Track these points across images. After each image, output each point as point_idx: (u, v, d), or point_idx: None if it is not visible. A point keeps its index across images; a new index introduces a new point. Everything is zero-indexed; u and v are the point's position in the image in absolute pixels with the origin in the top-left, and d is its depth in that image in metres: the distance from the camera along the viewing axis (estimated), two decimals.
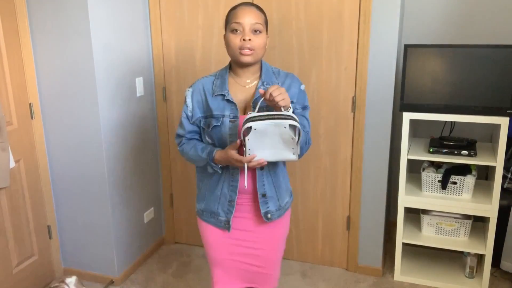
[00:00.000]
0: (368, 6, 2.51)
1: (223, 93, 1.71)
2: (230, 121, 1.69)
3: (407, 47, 2.53)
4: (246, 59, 1.66)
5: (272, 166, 1.77)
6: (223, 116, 1.70)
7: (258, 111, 1.59)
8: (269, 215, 1.80)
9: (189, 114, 1.77)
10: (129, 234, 2.92)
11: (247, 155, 1.58)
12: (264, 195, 1.77)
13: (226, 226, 1.82)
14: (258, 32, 1.66)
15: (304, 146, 1.73)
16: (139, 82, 2.88)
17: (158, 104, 3.07)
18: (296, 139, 1.56)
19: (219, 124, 1.70)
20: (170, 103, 3.06)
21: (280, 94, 1.54)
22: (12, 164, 2.43)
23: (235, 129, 1.69)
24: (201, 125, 1.77)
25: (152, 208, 3.16)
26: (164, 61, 2.99)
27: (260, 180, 1.76)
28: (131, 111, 2.84)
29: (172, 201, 3.26)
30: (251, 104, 1.71)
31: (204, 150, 1.73)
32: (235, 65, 1.75)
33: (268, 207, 1.79)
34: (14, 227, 2.55)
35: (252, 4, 1.71)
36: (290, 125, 1.54)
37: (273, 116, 1.54)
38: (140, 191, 3.01)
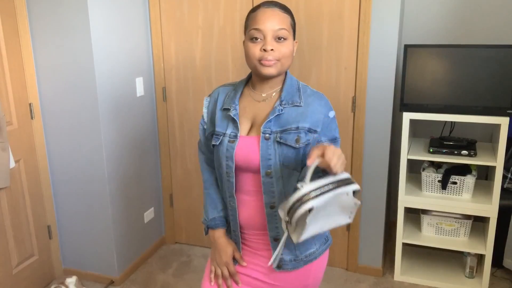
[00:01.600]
0: (368, 6, 2.51)
1: (229, 107, 1.47)
2: (229, 141, 1.44)
3: (407, 47, 2.53)
4: (268, 71, 1.38)
5: None
6: (224, 134, 1.46)
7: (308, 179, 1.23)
8: (280, 264, 1.47)
9: (205, 126, 1.56)
10: (129, 234, 2.92)
11: (299, 235, 1.25)
12: (276, 240, 1.46)
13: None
14: (282, 39, 1.38)
15: None
16: (139, 82, 2.88)
17: (158, 104, 3.07)
18: (359, 204, 1.29)
19: (217, 143, 1.46)
20: (170, 103, 3.06)
21: (338, 158, 1.23)
22: (12, 164, 2.43)
23: (232, 150, 1.43)
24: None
25: (152, 208, 3.16)
26: (164, 61, 2.99)
27: (272, 222, 1.44)
28: (131, 111, 2.84)
29: (172, 201, 3.26)
30: (260, 128, 1.41)
31: (214, 209, 1.55)
32: (254, 77, 1.48)
33: (281, 254, 1.46)
34: (14, 227, 2.55)
35: (275, 4, 1.42)
36: (355, 191, 1.25)
37: (333, 186, 1.22)
38: (140, 191, 3.01)
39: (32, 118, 2.61)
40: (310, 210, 1.19)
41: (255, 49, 1.38)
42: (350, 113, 2.70)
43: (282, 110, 1.41)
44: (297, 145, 1.38)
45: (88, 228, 2.79)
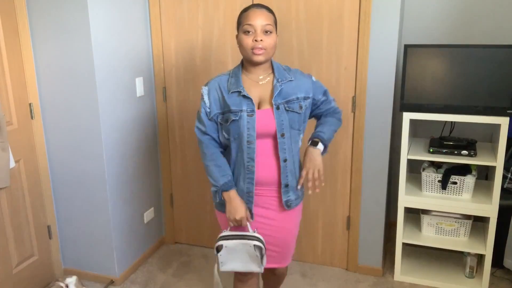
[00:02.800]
0: (368, 6, 2.51)
1: (239, 90, 1.83)
2: (247, 115, 1.82)
3: (407, 47, 2.53)
4: (259, 58, 1.79)
5: (295, 157, 1.92)
6: (241, 110, 1.83)
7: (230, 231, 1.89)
8: (289, 203, 1.95)
9: (208, 110, 1.89)
10: (129, 234, 2.92)
11: (220, 266, 1.88)
12: (286, 185, 1.92)
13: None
14: (269, 32, 1.78)
15: (337, 124, 2.03)
16: (139, 82, 2.88)
17: (158, 104, 3.07)
18: (260, 258, 1.85)
19: (237, 118, 1.83)
20: (170, 103, 3.06)
21: (317, 172, 1.88)
22: (12, 164, 2.43)
23: (252, 122, 1.82)
24: (219, 120, 1.89)
25: (152, 208, 3.16)
26: (164, 61, 2.99)
27: (284, 172, 1.90)
28: (131, 111, 2.84)
29: (172, 201, 3.26)
30: (271, 101, 1.84)
31: (223, 176, 1.89)
32: (247, 63, 1.87)
33: (289, 196, 1.94)
34: (14, 227, 2.55)
35: (262, 6, 1.82)
36: (255, 245, 1.83)
37: (241, 237, 1.85)
38: (140, 191, 3.01)
39: (32, 118, 2.61)
40: (221, 247, 1.84)
41: (248, 40, 1.78)
42: (350, 113, 2.70)
43: (281, 85, 1.85)
44: (300, 111, 1.88)
45: (88, 228, 2.79)
